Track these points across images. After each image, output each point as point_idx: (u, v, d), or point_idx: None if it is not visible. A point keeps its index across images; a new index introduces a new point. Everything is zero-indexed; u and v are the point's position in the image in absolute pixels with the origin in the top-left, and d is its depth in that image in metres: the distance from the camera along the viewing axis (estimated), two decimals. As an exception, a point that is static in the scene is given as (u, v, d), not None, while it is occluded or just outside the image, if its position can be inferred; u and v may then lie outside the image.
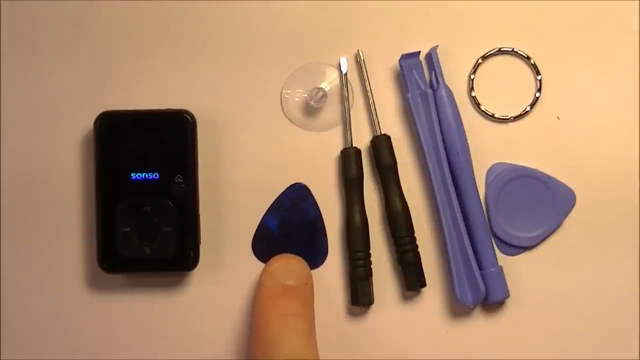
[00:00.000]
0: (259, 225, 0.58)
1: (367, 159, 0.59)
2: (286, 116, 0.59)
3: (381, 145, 0.58)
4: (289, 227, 0.58)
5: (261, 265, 0.58)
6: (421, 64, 0.58)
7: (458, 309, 0.59)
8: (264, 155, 0.59)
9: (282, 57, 0.59)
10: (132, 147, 0.56)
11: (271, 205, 0.58)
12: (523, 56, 0.59)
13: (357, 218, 0.58)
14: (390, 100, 0.59)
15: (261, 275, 0.55)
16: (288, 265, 0.56)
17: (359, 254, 0.57)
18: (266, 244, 0.58)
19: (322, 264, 0.59)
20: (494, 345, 0.59)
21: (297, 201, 0.58)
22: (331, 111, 0.59)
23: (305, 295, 0.55)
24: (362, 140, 0.59)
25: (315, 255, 0.58)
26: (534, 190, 0.59)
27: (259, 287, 0.55)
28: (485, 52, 0.59)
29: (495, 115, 0.59)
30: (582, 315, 0.59)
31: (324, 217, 0.59)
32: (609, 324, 0.59)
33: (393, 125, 0.59)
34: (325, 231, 0.59)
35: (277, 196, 0.58)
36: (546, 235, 0.59)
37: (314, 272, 0.58)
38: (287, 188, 0.58)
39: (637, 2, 0.59)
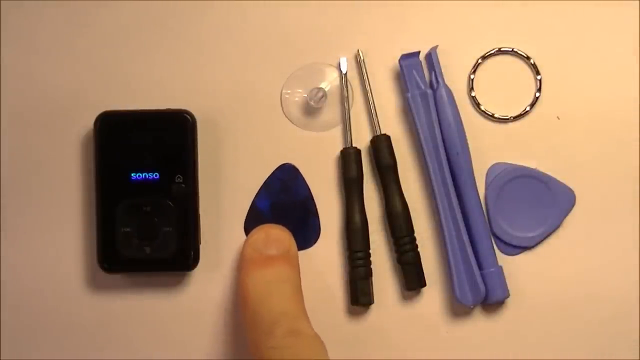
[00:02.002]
0: (250, 208, 0.58)
1: (367, 159, 0.59)
2: (286, 116, 0.59)
3: (381, 145, 0.58)
4: (281, 209, 0.58)
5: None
6: (421, 64, 0.58)
7: (458, 308, 0.59)
8: (264, 155, 0.59)
9: (282, 57, 0.59)
10: (132, 147, 0.56)
11: (261, 186, 0.58)
12: (523, 56, 0.59)
13: (357, 218, 0.58)
14: (390, 100, 0.59)
15: (243, 247, 0.55)
16: (268, 235, 0.55)
17: (359, 254, 0.57)
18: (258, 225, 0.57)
19: (314, 244, 0.58)
20: (494, 345, 0.59)
21: (287, 181, 0.58)
22: (331, 111, 0.59)
23: (288, 262, 0.55)
24: (362, 140, 0.59)
25: (307, 235, 0.58)
26: (534, 190, 0.59)
27: (241, 260, 0.55)
28: (485, 52, 0.59)
29: (495, 115, 0.59)
30: (582, 315, 0.59)
31: (324, 217, 0.59)
32: (609, 324, 0.59)
33: (393, 125, 0.59)
34: (316, 211, 0.58)
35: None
36: (546, 235, 0.59)
37: (307, 252, 0.58)
38: (277, 169, 0.58)
39: (637, 2, 0.59)
